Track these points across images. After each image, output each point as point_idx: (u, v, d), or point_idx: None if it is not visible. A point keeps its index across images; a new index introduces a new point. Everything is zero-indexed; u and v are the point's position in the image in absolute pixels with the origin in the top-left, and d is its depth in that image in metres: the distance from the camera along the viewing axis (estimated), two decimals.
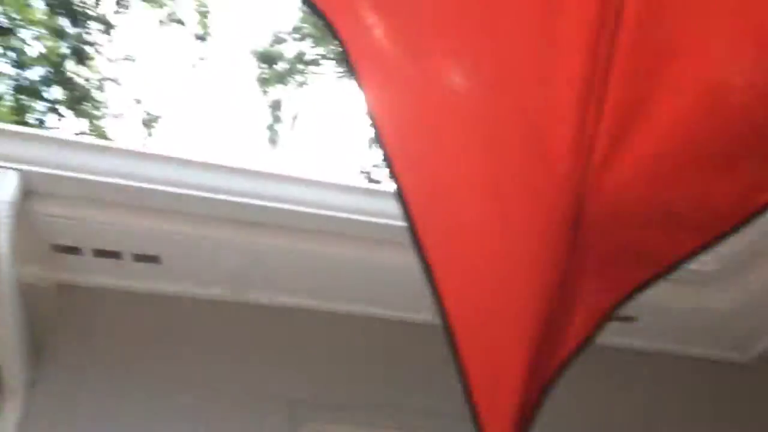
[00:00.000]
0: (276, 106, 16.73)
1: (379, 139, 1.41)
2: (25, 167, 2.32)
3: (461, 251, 1.51)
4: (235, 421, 2.80)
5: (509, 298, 1.49)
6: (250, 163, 2.56)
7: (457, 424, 2.80)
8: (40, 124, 9.92)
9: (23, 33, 9.25)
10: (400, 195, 1.43)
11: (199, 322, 2.97)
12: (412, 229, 1.45)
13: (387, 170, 1.42)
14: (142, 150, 2.81)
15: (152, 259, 2.66)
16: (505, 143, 1.40)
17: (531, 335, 1.43)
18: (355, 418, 2.90)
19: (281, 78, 16.39)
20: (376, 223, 2.53)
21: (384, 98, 1.41)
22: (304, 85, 16.59)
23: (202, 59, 13.70)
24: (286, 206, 2.47)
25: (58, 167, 2.36)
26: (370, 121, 1.38)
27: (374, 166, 16.85)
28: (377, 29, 1.38)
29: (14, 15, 9.09)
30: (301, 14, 16.82)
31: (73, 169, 2.37)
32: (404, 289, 2.84)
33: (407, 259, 2.57)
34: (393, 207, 2.54)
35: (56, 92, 9.87)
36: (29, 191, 2.35)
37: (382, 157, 1.43)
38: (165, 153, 2.52)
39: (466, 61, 1.37)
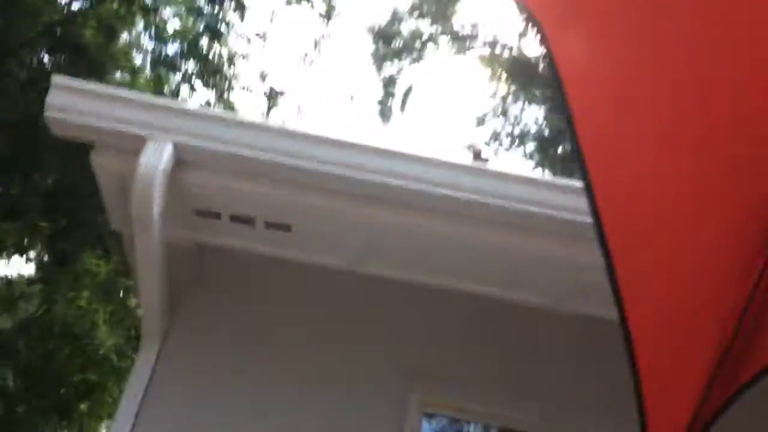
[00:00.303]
0: (389, 82, 16.71)
1: (573, 133, 1.34)
2: (178, 139, 2.48)
3: (647, 254, 1.44)
4: (350, 387, 2.93)
5: (694, 310, 1.42)
6: (378, 141, 2.60)
7: (562, 412, 2.83)
8: (175, 95, 10.50)
9: (164, 12, 9.79)
10: (589, 188, 1.36)
11: (321, 289, 3.12)
12: (598, 225, 1.37)
13: (578, 165, 1.35)
14: (279, 126, 2.95)
15: (284, 227, 2.80)
16: (713, 150, 1.33)
17: (713, 353, 1.37)
18: (466, 393, 2.96)
19: (397, 55, 16.36)
20: (494, 205, 2.55)
21: (585, 97, 1.35)
22: (419, 62, 16.52)
23: (324, 37, 13.99)
24: (410, 185, 2.53)
25: (206, 140, 2.51)
26: (567, 115, 1.33)
27: (485, 143, 16.59)
28: (584, 30, 1.35)
29: None
30: None
31: (219, 142, 2.51)
32: (515, 270, 2.89)
33: (521, 241, 2.64)
34: (510, 189, 2.59)
35: (190, 66, 10.39)
36: (180, 161, 2.52)
37: (574, 151, 1.37)
38: (301, 130, 2.60)
39: (677, 60, 1.30)
